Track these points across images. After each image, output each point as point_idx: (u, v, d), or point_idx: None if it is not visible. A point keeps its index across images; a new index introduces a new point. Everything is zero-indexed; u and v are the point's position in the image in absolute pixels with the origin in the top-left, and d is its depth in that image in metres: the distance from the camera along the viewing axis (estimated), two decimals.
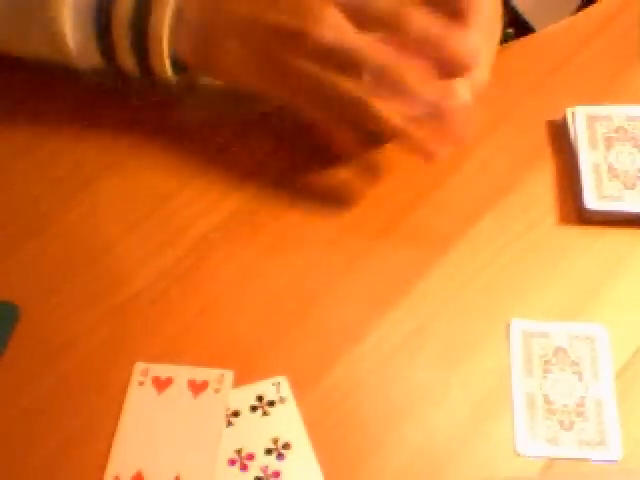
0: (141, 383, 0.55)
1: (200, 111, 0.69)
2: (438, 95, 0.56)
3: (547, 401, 0.55)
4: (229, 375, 0.56)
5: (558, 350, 0.57)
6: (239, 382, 0.55)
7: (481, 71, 0.60)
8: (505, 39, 0.78)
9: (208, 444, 0.53)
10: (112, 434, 0.53)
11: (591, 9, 0.77)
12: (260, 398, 0.55)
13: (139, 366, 0.56)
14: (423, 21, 0.55)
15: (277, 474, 0.52)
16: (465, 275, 0.61)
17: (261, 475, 0.52)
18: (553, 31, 0.76)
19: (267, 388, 0.55)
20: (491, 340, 0.58)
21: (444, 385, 0.56)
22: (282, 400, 0.55)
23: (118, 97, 0.70)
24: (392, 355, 0.57)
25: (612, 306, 0.59)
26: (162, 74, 0.62)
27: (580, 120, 0.67)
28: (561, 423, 0.54)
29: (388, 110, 0.56)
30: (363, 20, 0.56)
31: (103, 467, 0.52)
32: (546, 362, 0.56)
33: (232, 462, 0.52)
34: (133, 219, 0.63)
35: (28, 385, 0.56)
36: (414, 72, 0.56)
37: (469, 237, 0.62)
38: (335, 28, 0.55)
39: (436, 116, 0.57)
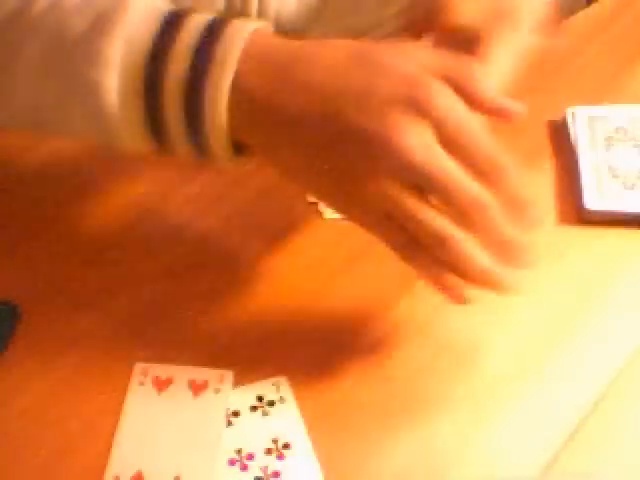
0: (141, 383, 0.55)
1: None
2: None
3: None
4: (229, 375, 0.56)
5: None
6: (239, 382, 0.55)
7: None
8: None
9: (208, 444, 0.53)
10: (112, 434, 0.53)
11: (591, 9, 0.77)
12: (260, 398, 0.55)
13: (139, 366, 0.56)
14: (513, 185, 0.49)
15: (277, 474, 0.52)
16: None
17: (261, 475, 0.52)
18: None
19: (267, 388, 0.55)
20: (491, 340, 0.58)
21: (444, 385, 0.56)
22: (282, 400, 0.55)
23: None
24: (392, 355, 0.57)
25: (612, 306, 0.60)
26: (218, 151, 0.52)
27: (580, 120, 0.67)
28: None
29: (469, 253, 0.49)
30: (455, 149, 0.48)
31: (103, 467, 0.52)
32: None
33: (232, 462, 0.52)
34: (133, 219, 0.63)
35: (28, 385, 0.56)
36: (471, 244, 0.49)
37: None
38: (425, 148, 0.47)
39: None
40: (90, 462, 0.52)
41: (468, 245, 0.49)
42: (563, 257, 0.62)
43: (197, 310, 0.59)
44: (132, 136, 0.52)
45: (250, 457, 0.53)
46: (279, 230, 0.63)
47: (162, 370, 0.56)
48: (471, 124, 0.49)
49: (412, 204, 0.48)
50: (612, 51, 0.73)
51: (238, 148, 0.52)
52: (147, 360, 0.56)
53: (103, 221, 0.63)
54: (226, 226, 0.63)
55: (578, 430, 0.54)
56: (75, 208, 0.64)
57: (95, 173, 0.65)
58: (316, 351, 0.57)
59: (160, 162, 0.66)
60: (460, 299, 0.51)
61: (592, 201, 0.63)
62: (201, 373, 0.56)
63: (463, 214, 0.48)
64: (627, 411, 0.55)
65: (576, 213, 0.63)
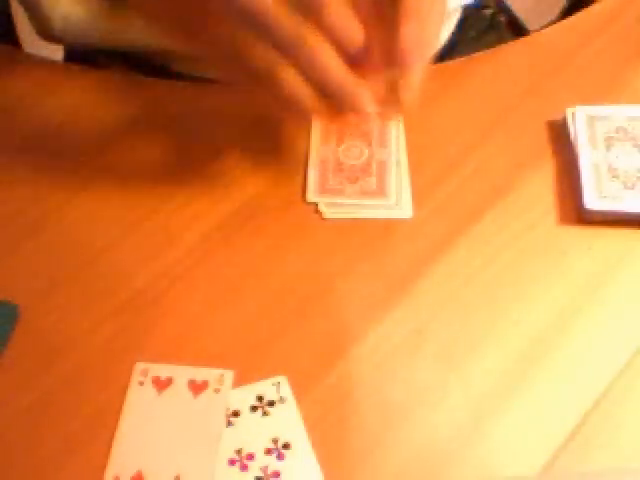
0: (141, 383, 0.55)
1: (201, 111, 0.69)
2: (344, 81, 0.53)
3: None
4: (229, 375, 0.56)
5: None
6: (239, 382, 0.55)
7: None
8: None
9: (208, 444, 0.53)
10: (112, 434, 0.53)
11: (591, 9, 0.77)
12: (260, 398, 0.55)
13: (139, 366, 0.56)
14: (338, 17, 0.52)
15: (277, 474, 0.52)
16: (465, 275, 0.61)
17: (261, 475, 0.52)
18: (553, 31, 0.76)
19: (267, 388, 0.55)
20: (491, 340, 0.58)
21: (444, 385, 0.56)
22: (282, 400, 0.55)
23: (118, 97, 0.70)
24: (392, 355, 0.57)
25: (612, 306, 0.59)
26: None
27: (580, 120, 0.67)
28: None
29: (292, 86, 0.54)
30: None
31: (103, 467, 0.52)
32: None
33: (232, 462, 0.52)
34: (133, 219, 0.63)
35: (28, 385, 0.56)
36: (322, 50, 0.52)
37: (469, 237, 0.62)
38: None
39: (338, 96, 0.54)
40: (90, 462, 0.52)
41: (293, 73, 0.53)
42: (563, 257, 0.62)
43: (197, 310, 0.59)
44: None
45: (250, 457, 0.53)
46: (279, 230, 0.63)
47: (162, 370, 0.56)
48: None
49: (240, 36, 0.53)
50: (612, 51, 0.73)
51: None
52: (147, 360, 0.56)
53: (103, 221, 0.63)
54: (226, 226, 0.63)
55: (578, 430, 0.54)
56: (75, 208, 0.64)
57: (95, 173, 0.65)
58: (316, 351, 0.57)
59: (161, 163, 0.66)
60: (306, 115, 0.56)
61: (592, 201, 0.63)
62: (201, 373, 0.56)
63: (286, 52, 0.52)
64: (627, 411, 0.55)
65: (576, 213, 0.63)
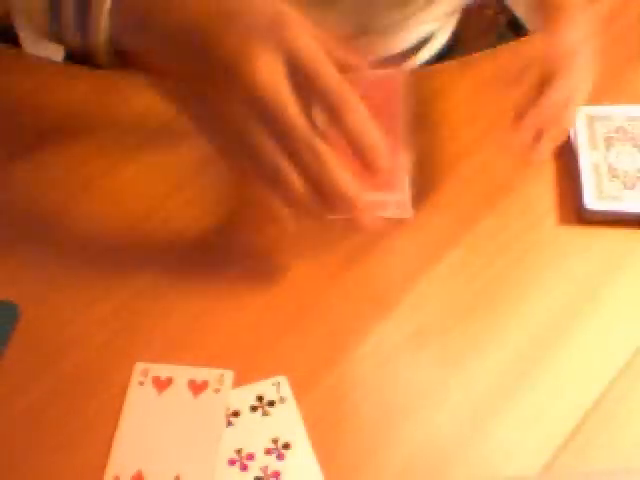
0: (141, 383, 0.55)
1: None
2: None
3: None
4: (229, 375, 0.56)
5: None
6: (239, 382, 0.55)
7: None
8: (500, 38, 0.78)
9: (208, 444, 0.53)
10: (112, 434, 0.53)
11: (591, 9, 0.77)
12: (260, 398, 0.55)
13: (139, 366, 0.56)
14: (360, 123, 0.52)
15: (277, 474, 0.52)
16: (465, 275, 0.61)
17: (261, 475, 0.52)
18: None
19: (267, 388, 0.55)
20: (491, 340, 0.58)
21: (444, 385, 0.56)
22: (282, 400, 0.55)
23: (118, 97, 0.70)
24: (392, 355, 0.57)
25: (612, 306, 0.60)
26: (99, 48, 0.57)
27: (580, 120, 0.67)
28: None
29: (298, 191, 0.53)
30: (305, 85, 0.52)
31: (103, 467, 0.52)
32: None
33: (232, 462, 0.52)
34: (133, 219, 0.63)
35: (28, 385, 0.56)
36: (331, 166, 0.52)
37: (469, 237, 0.62)
38: (273, 86, 0.50)
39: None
40: (90, 462, 0.52)
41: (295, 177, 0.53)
42: (563, 257, 0.62)
43: (197, 310, 0.59)
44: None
45: (250, 457, 0.53)
46: (279, 230, 0.63)
47: (162, 370, 0.56)
48: (324, 66, 0.52)
49: (255, 130, 0.51)
50: (612, 51, 0.73)
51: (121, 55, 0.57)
52: (147, 360, 0.56)
53: (103, 221, 0.63)
54: (226, 227, 0.63)
55: (578, 430, 0.54)
56: (75, 208, 0.64)
57: (95, 174, 0.65)
58: (316, 351, 0.57)
59: (160, 164, 0.66)
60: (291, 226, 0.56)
61: (592, 201, 0.63)
62: (201, 373, 0.56)
63: (294, 154, 0.52)
64: (627, 411, 0.55)
65: (576, 213, 0.63)
